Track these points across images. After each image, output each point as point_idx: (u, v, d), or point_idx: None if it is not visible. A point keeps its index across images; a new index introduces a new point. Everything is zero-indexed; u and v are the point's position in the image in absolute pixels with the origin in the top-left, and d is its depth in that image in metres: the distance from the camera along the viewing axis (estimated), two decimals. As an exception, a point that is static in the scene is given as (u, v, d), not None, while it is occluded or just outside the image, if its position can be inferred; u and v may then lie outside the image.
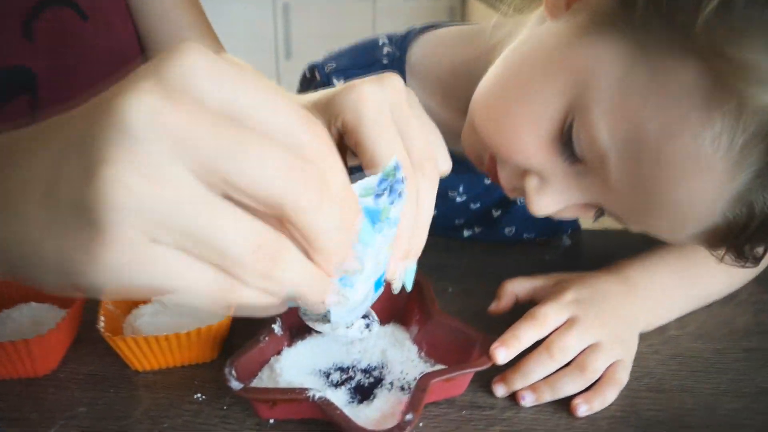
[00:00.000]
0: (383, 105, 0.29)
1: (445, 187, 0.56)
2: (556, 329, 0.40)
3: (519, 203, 0.57)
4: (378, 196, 0.29)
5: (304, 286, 0.22)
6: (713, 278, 0.48)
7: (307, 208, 0.21)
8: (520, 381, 0.38)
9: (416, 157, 0.29)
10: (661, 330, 0.46)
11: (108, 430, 0.36)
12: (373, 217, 0.28)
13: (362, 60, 0.57)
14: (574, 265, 0.55)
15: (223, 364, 0.36)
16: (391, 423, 0.34)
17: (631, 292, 0.44)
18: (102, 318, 0.40)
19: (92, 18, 0.59)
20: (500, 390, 0.39)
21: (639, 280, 0.44)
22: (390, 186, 0.29)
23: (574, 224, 0.60)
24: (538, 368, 0.38)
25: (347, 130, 0.29)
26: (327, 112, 0.30)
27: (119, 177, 0.18)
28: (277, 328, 0.40)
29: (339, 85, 0.53)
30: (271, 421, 0.37)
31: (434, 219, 0.51)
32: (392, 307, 0.44)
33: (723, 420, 0.38)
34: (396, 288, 0.33)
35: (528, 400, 0.38)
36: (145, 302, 0.45)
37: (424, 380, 0.35)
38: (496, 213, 0.59)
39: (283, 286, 0.22)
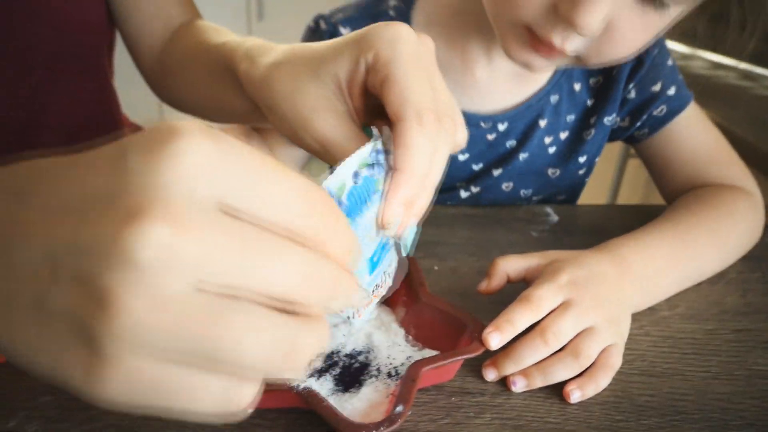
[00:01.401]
0: (420, 48, 0.29)
1: None
2: (551, 312, 0.38)
3: (520, 160, 0.56)
4: (371, 166, 0.27)
5: (320, 348, 0.20)
6: (705, 258, 0.47)
7: (322, 299, 0.20)
8: (512, 366, 0.37)
9: (441, 109, 0.28)
10: (651, 311, 0.45)
11: (77, 419, 0.34)
12: (369, 187, 0.27)
13: (369, 11, 0.56)
14: (561, 241, 0.54)
15: None
16: (380, 413, 0.32)
17: (625, 273, 0.42)
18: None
19: None
20: (491, 374, 0.37)
21: (633, 261, 0.43)
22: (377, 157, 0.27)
23: (568, 182, 0.59)
24: (531, 353, 0.37)
25: (379, 63, 0.28)
26: (358, 46, 0.29)
27: (127, 308, 0.17)
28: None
29: (344, 31, 0.50)
30: (249, 411, 0.35)
31: None
32: (377, 288, 0.42)
33: (716, 405, 0.37)
34: (393, 251, 0.31)
35: (519, 386, 0.37)
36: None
37: (414, 369, 0.33)
38: (496, 172, 0.57)
39: (299, 364, 0.20)
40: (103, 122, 0.68)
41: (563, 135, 0.57)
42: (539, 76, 0.55)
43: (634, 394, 0.38)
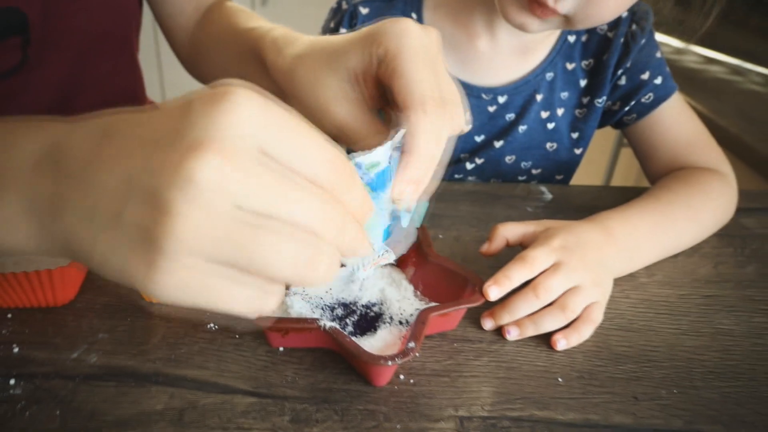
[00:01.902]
0: (425, 41, 0.32)
1: None
2: (543, 272, 0.44)
3: (519, 132, 0.61)
4: (398, 149, 0.32)
5: (335, 264, 0.25)
6: (682, 231, 0.52)
7: (333, 234, 0.25)
8: (507, 316, 0.42)
9: (445, 95, 0.32)
10: (632, 277, 0.51)
11: (128, 353, 0.39)
12: (386, 176, 0.32)
13: None
14: (554, 217, 0.58)
15: None
16: (394, 351, 0.37)
17: (610, 241, 0.48)
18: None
19: None
20: (488, 323, 0.43)
21: (618, 231, 0.48)
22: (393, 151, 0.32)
23: (564, 157, 0.64)
24: (524, 306, 0.42)
25: (388, 56, 0.32)
26: (369, 40, 0.33)
27: (184, 216, 0.22)
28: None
29: (364, 11, 0.55)
30: (281, 349, 0.40)
31: None
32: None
33: (683, 356, 0.43)
34: (405, 221, 0.36)
35: (513, 335, 0.42)
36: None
37: (424, 314, 0.39)
38: (497, 144, 0.62)
39: (317, 280, 0.25)
40: (132, 101, 0.73)
41: (559, 111, 0.62)
42: (537, 53, 0.59)
43: (612, 345, 0.43)
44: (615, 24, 0.58)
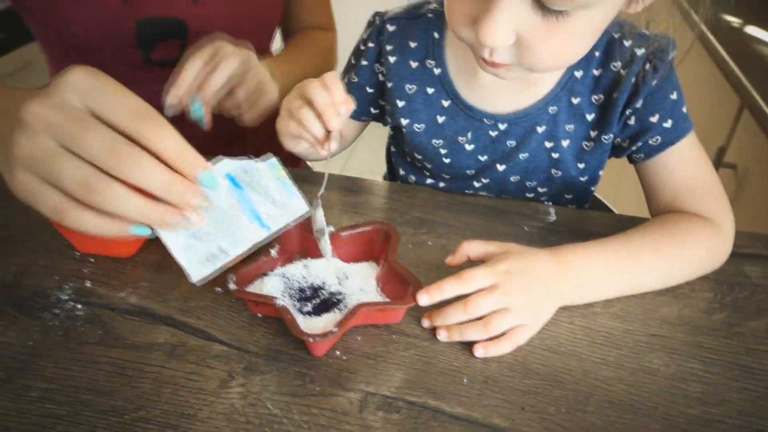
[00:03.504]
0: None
1: (455, 132, 0.68)
2: (480, 290, 0.51)
3: (520, 158, 0.67)
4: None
5: (126, 209, 0.37)
6: (644, 274, 0.55)
7: (119, 169, 0.37)
8: (438, 320, 0.51)
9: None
10: (588, 306, 0.55)
11: (155, 299, 0.54)
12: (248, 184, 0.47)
13: (413, 13, 0.68)
14: (547, 239, 0.64)
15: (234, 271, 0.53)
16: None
17: (561, 270, 0.53)
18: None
19: None
20: (425, 323, 0.51)
21: (573, 264, 0.53)
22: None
23: (570, 184, 0.69)
24: (453, 315, 0.50)
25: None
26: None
27: (18, 145, 0.37)
28: (273, 252, 0.55)
29: (391, 28, 0.64)
30: (260, 315, 0.53)
31: (448, 166, 0.70)
32: (371, 250, 0.58)
33: (590, 383, 0.48)
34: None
35: (442, 336, 0.50)
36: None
37: (357, 307, 0.49)
38: (500, 167, 0.68)
39: (109, 209, 0.37)
40: None
41: (565, 143, 0.65)
42: (541, 86, 0.63)
43: (529, 361, 0.50)
44: (629, 62, 0.60)
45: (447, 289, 0.50)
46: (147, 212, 0.38)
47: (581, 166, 0.66)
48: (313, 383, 0.47)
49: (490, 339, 0.50)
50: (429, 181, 0.75)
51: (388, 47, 0.66)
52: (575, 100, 0.63)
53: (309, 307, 0.52)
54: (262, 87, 0.68)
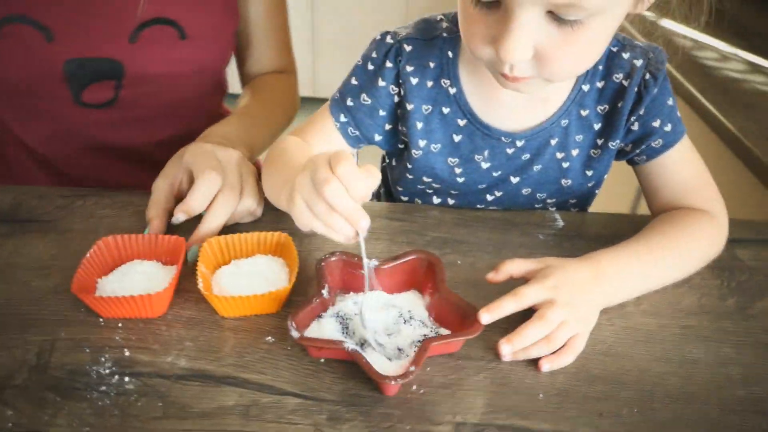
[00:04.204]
0: (218, 155, 0.67)
1: (472, 151, 0.69)
2: (543, 304, 0.53)
3: (534, 170, 0.70)
4: None
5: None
6: (667, 270, 0.60)
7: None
8: (520, 343, 0.52)
9: (230, 183, 0.64)
10: (621, 306, 0.59)
11: (206, 359, 0.52)
12: None
13: (426, 33, 0.68)
14: (561, 245, 0.68)
15: (285, 316, 0.51)
16: (400, 371, 0.48)
17: (599, 277, 0.56)
18: (200, 279, 0.55)
19: (191, 38, 0.76)
20: (506, 348, 0.52)
21: (608, 270, 0.57)
22: None
23: (578, 191, 0.72)
24: (532, 336, 0.52)
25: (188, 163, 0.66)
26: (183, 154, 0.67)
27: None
28: (325, 293, 0.54)
29: (408, 48, 0.65)
30: (322, 360, 0.52)
31: (462, 183, 0.72)
32: (411, 280, 0.58)
33: (649, 380, 0.52)
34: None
35: (507, 357, 0.52)
36: (222, 265, 0.60)
37: (427, 342, 0.49)
38: (514, 180, 0.71)
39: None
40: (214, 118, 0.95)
41: (574, 152, 0.70)
42: (553, 101, 0.66)
43: (590, 368, 0.53)
44: (630, 73, 0.64)
45: (506, 307, 0.52)
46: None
47: (589, 173, 0.70)
48: (402, 422, 0.47)
49: (553, 353, 0.53)
50: (436, 200, 0.76)
51: (409, 68, 0.66)
52: (584, 112, 0.66)
53: (376, 347, 0.52)
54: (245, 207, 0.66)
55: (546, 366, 0.52)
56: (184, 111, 0.85)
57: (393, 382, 0.47)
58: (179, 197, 0.65)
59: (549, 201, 0.74)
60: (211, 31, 0.80)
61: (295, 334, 0.50)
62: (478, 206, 0.74)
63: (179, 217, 0.61)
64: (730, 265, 0.66)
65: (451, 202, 0.75)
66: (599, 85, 0.66)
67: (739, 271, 0.65)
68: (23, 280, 0.59)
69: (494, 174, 0.70)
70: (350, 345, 0.49)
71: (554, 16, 0.49)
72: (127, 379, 0.50)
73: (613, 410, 0.49)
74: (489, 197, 0.73)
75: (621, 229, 0.70)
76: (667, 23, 0.66)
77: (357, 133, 0.70)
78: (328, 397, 0.49)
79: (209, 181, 0.61)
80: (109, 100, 0.78)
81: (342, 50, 2.69)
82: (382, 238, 0.68)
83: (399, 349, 0.52)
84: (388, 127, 0.71)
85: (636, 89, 0.64)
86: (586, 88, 0.66)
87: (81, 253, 0.62)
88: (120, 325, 0.55)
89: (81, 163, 0.85)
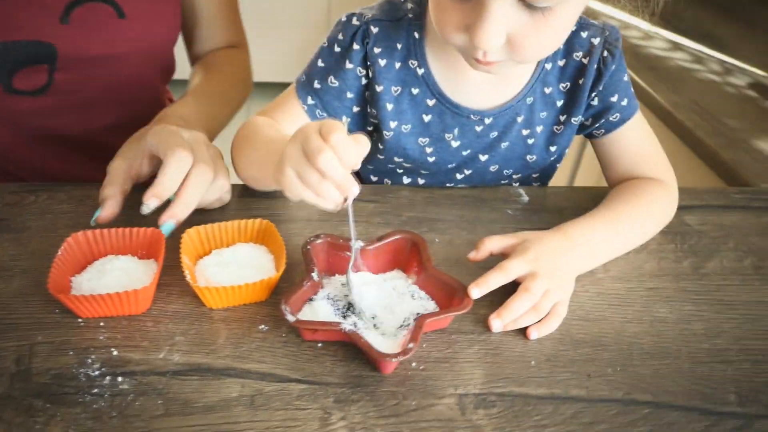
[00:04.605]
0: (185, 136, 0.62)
1: (442, 130, 0.71)
2: (525, 277, 0.55)
3: (501, 147, 0.72)
4: None
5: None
6: (629, 236, 0.64)
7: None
8: (509, 316, 0.54)
9: (200, 157, 0.59)
10: (592, 273, 0.63)
11: (202, 352, 0.50)
12: None
13: (392, 14, 0.68)
14: (530, 219, 0.71)
15: (275, 303, 0.51)
16: (397, 349, 0.49)
17: (573, 247, 0.60)
18: (186, 272, 0.53)
19: (131, 17, 0.70)
20: (497, 323, 0.54)
21: (579, 239, 0.60)
22: None
23: (542, 166, 0.76)
24: (519, 308, 0.54)
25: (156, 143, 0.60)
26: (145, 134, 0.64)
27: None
28: (315, 275, 0.54)
29: (375, 30, 0.65)
30: (320, 344, 0.52)
31: (433, 162, 0.73)
32: (395, 260, 0.59)
33: (626, 340, 0.56)
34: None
35: (497, 327, 0.54)
36: (204, 256, 0.58)
37: (421, 319, 0.51)
38: (483, 157, 0.73)
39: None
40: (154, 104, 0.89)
41: (539, 129, 0.72)
42: (519, 80, 0.69)
43: (573, 333, 0.56)
44: (589, 51, 0.68)
45: (493, 281, 0.55)
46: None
47: (553, 149, 0.73)
48: (407, 399, 0.48)
49: (538, 322, 0.55)
50: (406, 179, 0.77)
51: (377, 50, 0.66)
52: (547, 90, 0.69)
53: (370, 325, 0.53)
54: (218, 187, 0.63)
55: (534, 334, 0.54)
56: (127, 96, 0.80)
57: (394, 360, 0.48)
58: (137, 182, 0.62)
59: (515, 177, 0.76)
60: (153, 8, 0.75)
61: (291, 318, 0.50)
62: (448, 185, 0.76)
63: (150, 204, 0.55)
64: (681, 230, 0.71)
65: (421, 181, 0.76)
66: (560, 63, 0.69)
67: (688, 235, 0.71)
68: (-17, 283, 0.55)
69: (464, 153, 0.72)
70: (347, 326, 0.50)
71: (526, 4, 0.51)
72: (120, 379, 0.48)
73: (599, 370, 0.52)
74: (459, 176, 0.75)
75: (581, 201, 0.74)
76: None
77: (324, 115, 0.70)
78: (332, 380, 0.49)
79: (180, 161, 0.56)
80: (42, 85, 0.72)
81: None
82: (359, 220, 0.68)
83: (396, 327, 0.53)
84: (356, 109, 0.71)
85: (595, 66, 0.67)
86: (548, 66, 0.68)
87: (42, 252, 0.59)
88: (102, 324, 0.52)
89: (18, 156, 0.79)
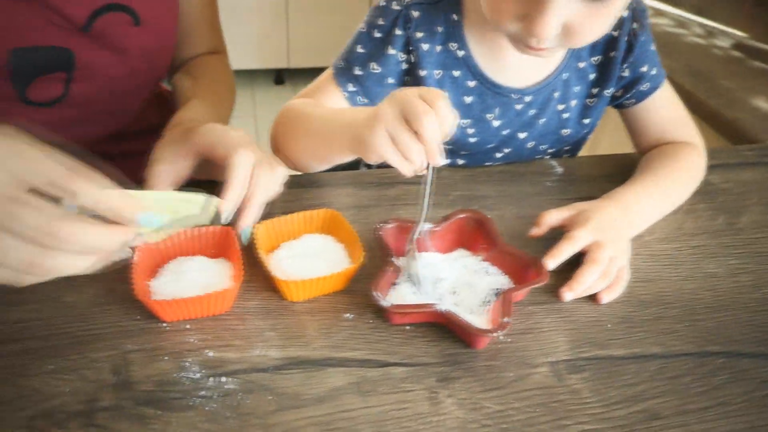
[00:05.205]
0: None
1: (483, 111, 0.72)
2: (590, 246, 0.58)
3: (539, 124, 0.74)
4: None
5: (93, 245, 0.37)
6: (673, 198, 0.68)
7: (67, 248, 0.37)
8: (581, 287, 0.56)
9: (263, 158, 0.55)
10: (639, 237, 0.66)
11: (297, 345, 0.51)
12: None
13: None
14: (567, 189, 0.73)
15: (352, 291, 0.54)
16: (484, 324, 0.51)
17: (627, 214, 0.62)
18: (269, 266, 0.53)
19: (144, 23, 0.70)
20: (569, 295, 0.56)
21: (632, 205, 0.63)
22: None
23: (574, 138, 0.78)
24: (589, 277, 0.56)
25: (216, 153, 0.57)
26: (192, 139, 0.60)
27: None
28: (394, 259, 0.55)
29: (415, 14, 0.63)
30: (407, 328, 0.53)
31: (474, 143, 0.73)
32: (459, 239, 0.61)
33: (686, 297, 0.59)
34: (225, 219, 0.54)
35: (568, 297, 0.57)
36: (273, 249, 0.58)
37: (508, 294, 0.52)
38: (521, 135, 0.75)
39: (80, 248, 0.37)
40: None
41: (573, 103, 0.74)
42: (555, 57, 0.71)
43: (636, 294, 0.59)
44: (619, 24, 0.70)
45: (565, 251, 0.57)
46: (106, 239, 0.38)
47: (585, 121, 0.75)
48: (505, 371, 0.50)
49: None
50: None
51: (419, 34, 0.66)
52: (581, 65, 0.71)
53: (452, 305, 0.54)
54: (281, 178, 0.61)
55: (606, 298, 0.57)
56: (134, 103, 0.78)
57: (493, 335, 0.49)
58: (176, 186, 0.60)
59: (549, 151, 0.79)
60: (165, 14, 0.73)
61: (385, 304, 0.51)
62: (487, 164, 0.77)
63: (230, 210, 0.53)
64: (707, 190, 0.75)
65: (460, 162, 0.78)
66: None
67: (714, 194, 0.75)
68: (52, 296, 0.53)
69: (503, 132, 0.73)
70: (443, 306, 0.51)
71: None
72: (224, 379, 0.47)
73: (669, 327, 0.55)
74: (497, 155, 0.76)
75: (609, 169, 0.77)
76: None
77: (365, 101, 0.70)
78: (429, 360, 0.50)
79: (247, 162, 0.54)
80: (57, 96, 0.69)
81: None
82: (409, 202, 0.69)
83: (478, 304, 0.54)
84: None
85: (626, 39, 0.70)
86: None
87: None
88: (188, 326, 0.52)
89: None
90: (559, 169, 0.77)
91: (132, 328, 0.51)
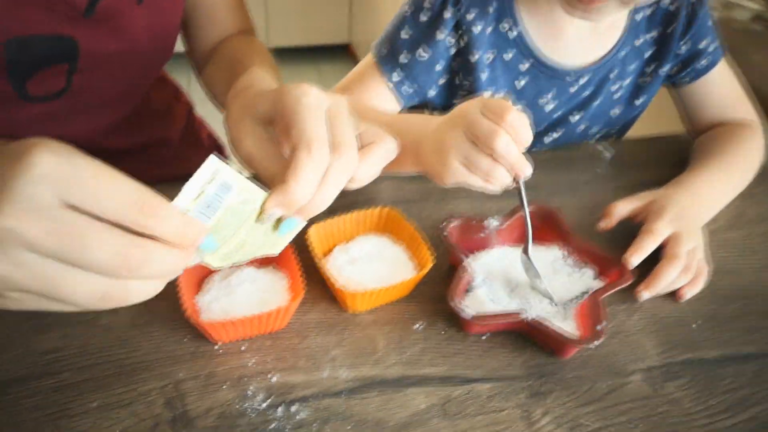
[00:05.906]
0: (320, 101, 0.38)
1: (536, 95, 0.67)
2: (668, 240, 0.54)
3: (593, 105, 0.69)
4: (198, 195, 0.34)
5: (165, 270, 0.31)
6: (738, 182, 0.64)
7: (126, 272, 0.29)
8: (658, 288, 0.52)
9: (338, 142, 0.37)
10: (704, 226, 0.62)
11: (367, 363, 0.46)
12: (203, 208, 0.35)
13: None
14: (619, 174, 0.69)
15: (416, 297, 0.50)
16: (578, 329, 0.47)
17: (698, 201, 0.59)
18: (332, 277, 0.47)
19: (146, 2, 0.61)
20: (645, 294, 0.52)
21: (702, 192, 0.59)
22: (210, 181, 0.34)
23: (624, 119, 0.73)
24: (669, 275, 0.52)
25: (285, 112, 0.37)
26: (275, 98, 0.39)
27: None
28: (465, 263, 0.50)
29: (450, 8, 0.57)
30: (483, 337, 0.48)
31: None
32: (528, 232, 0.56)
33: (763, 289, 0.55)
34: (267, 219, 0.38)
35: (645, 296, 0.52)
36: (326, 253, 0.52)
37: (597, 293, 0.48)
38: (574, 118, 0.70)
39: (152, 275, 0.30)
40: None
41: (626, 81, 0.70)
42: (612, 34, 0.66)
43: (715, 288, 0.55)
44: None
45: (647, 246, 0.53)
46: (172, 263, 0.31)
47: (638, 102, 0.71)
48: (598, 382, 0.46)
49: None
50: None
51: (469, 16, 0.60)
52: (637, 42, 0.66)
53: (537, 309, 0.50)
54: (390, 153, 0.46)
55: (688, 294, 0.53)
56: (136, 91, 0.71)
57: (585, 345, 0.45)
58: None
59: (599, 134, 0.74)
60: None
61: (468, 314, 0.46)
62: (534, 149, 0.72)
63: (275, 214, 0.38)
64: (764, 172, 0.71)
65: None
66: (648, 12, 0.66)
67: (768, 175, 0.71)
68: (83, 319, 0.47)
69: (554, 115, 0.69)
70: (530, 314, 0.46)
71: None
72: (294, 408, 0.42)
73: (756, 324, 0.52)
74: (546, 139, 0.72)
75: (658, 152, 0.73)
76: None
77: (411, 90, 0.64)
78: (515, 373, 0.46)
79: (320, 162, 0.37)
80: (59, 90, 0.62)
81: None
82: (459, 196, 0.63)
83: (568, 301, 0.50)
84: (442, 81, 0.66)
85: (684, 12, 0.65)
86: (638, 17, 0.65)
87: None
88: (243, 348, 0.46)
89: None
90: (607, 154, 0.72)
91: (180, 352, 0.45)
